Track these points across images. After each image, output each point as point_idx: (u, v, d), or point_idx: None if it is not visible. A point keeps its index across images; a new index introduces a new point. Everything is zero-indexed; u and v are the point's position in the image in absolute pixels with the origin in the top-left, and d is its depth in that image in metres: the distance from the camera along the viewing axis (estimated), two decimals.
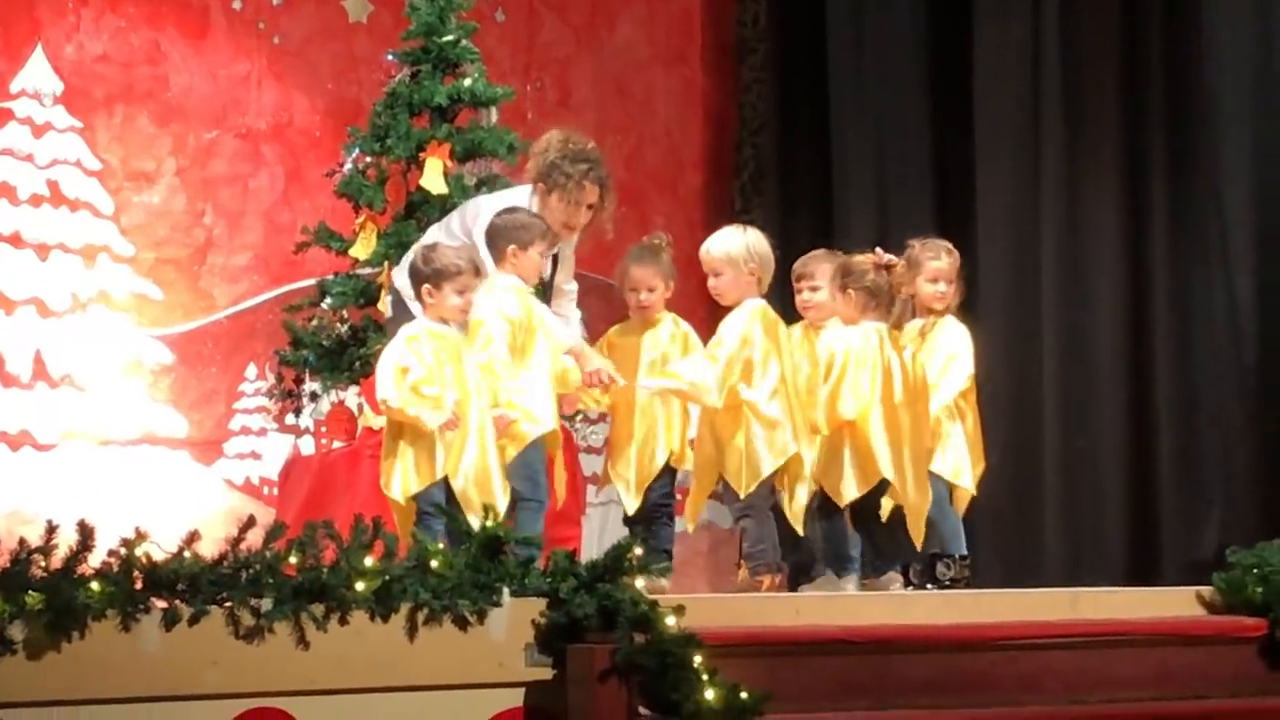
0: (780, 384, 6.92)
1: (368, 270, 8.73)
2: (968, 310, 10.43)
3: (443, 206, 8.56)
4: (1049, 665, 5.85)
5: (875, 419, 6.97)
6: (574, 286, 7.65)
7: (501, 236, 6.84)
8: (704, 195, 11.59)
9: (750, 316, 6.96)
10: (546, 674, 5.39)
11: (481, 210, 7.37)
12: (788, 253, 7.43)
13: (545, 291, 7.35)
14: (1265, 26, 9.25)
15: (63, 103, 10.03)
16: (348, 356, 8.77)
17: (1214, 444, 9.28)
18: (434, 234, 7.59)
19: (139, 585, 5.05)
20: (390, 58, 9.19)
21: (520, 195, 7.36)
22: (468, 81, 8.92)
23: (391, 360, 6.45)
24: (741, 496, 6.90)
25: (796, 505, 7.00)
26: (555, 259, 7.39)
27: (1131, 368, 9.60)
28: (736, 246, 7.06)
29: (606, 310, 7.88)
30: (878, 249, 7.23)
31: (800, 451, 6.93)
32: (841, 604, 6.28)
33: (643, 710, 5.23)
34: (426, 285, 6.55)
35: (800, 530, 7.03)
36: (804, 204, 11.05)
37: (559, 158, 7.16)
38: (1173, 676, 5.96)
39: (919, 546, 7.06)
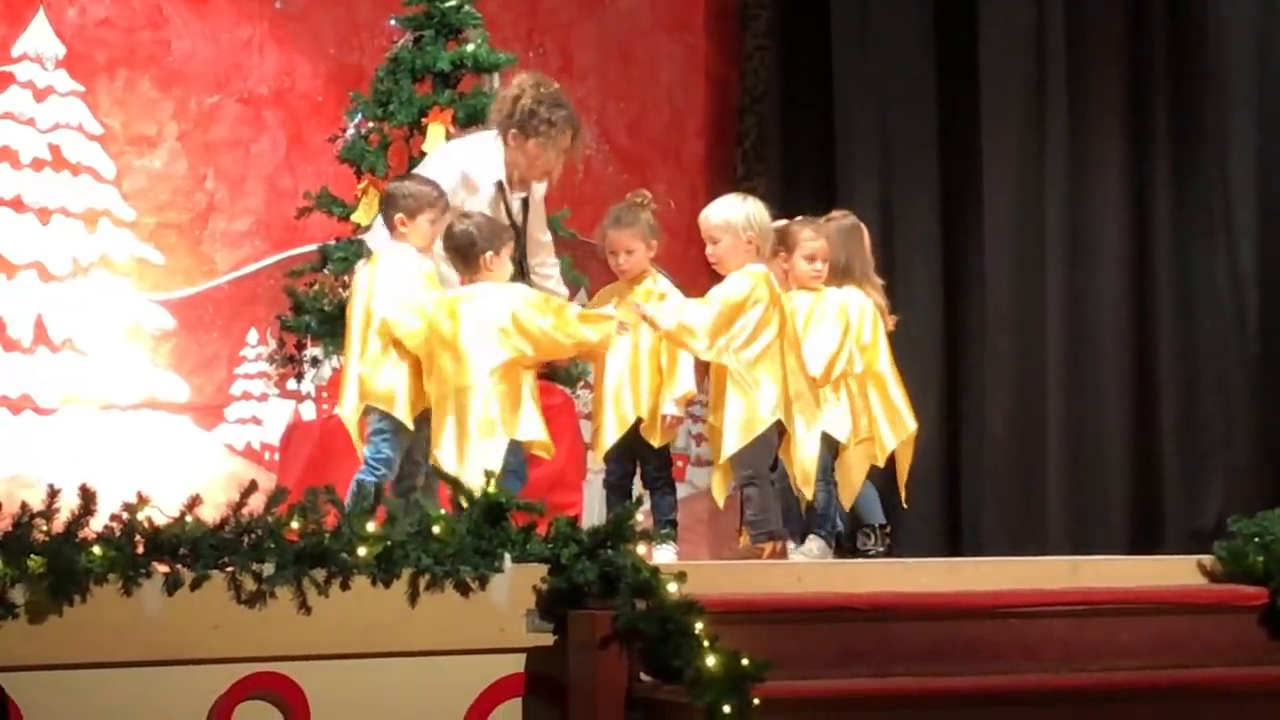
0: (773, 343, 6.81)
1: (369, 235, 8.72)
2: (973, 281, 10.42)
3: None
4: (1050, 633, 5.85)
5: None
6: (549, 237, 7.48)
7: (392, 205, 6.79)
8: (706, 162, 11.55)
9: (756, 278, 6.84)
10: (548, 640, 5.39)
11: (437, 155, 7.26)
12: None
13: (519, 238, 7.23)
14: None
15: (64, 67, 10.01)
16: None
17: (1216, 413, 9.27)
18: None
19: (140, 550, 5.05)
20: (393, 23, 9.18)
21: (485, 140, 7.20)
22: (470, 47, 8.90)
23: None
24: (715, 464, 6.85)
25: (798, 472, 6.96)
26: (526, 204, 7.25)
27: (1134, 337, 9.59)
28: (735, 214, 6.95)
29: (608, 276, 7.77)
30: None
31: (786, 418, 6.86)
32: (843, 571, 6.28)
33: (644, 676, 5.23)
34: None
35: (810, 497, 6.98)
36: (807, 171, 11.02)
37: (535, 104, 7.01)
38: (1173, 645, 5.95)
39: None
